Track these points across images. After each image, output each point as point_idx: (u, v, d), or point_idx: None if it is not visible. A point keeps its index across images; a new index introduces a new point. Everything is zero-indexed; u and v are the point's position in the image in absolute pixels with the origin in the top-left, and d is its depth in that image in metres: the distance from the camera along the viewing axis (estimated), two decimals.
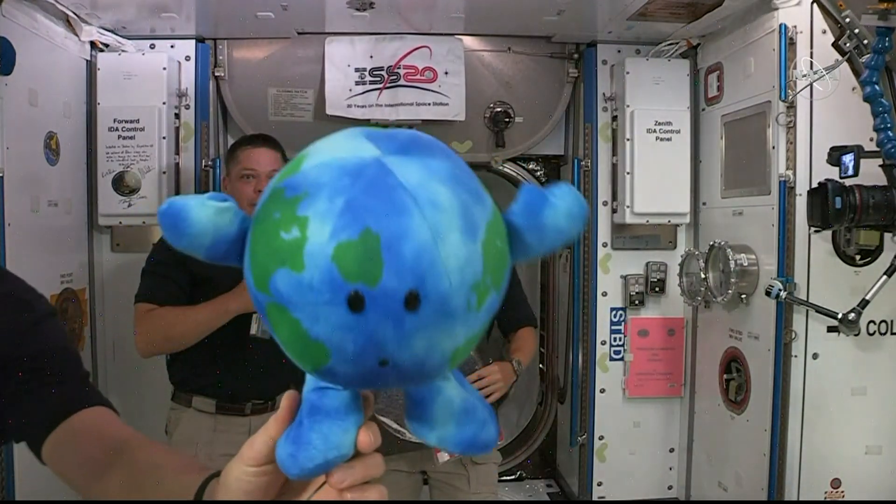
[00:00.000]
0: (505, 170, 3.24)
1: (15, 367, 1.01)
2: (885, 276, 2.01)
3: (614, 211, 2.98)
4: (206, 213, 0.57)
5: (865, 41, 2.15)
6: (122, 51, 2.78)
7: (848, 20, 2.17)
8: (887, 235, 2.10)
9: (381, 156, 0.55)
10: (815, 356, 2.28)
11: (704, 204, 2.91)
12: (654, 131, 2.83)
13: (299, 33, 2.97)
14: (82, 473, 0.93)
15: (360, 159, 0.55)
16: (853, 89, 2.20)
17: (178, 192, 2.82)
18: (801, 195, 2.25)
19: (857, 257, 2.24)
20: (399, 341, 0.54)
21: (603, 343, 3.03)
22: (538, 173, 3.42)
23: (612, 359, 3.04)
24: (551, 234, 0.61)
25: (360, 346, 0.54)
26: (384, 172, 0.54)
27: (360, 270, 0.51)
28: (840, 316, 2.10)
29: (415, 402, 0.65)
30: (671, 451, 3.07)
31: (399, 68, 2.97)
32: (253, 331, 2.16)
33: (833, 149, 2.04)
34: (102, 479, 0.88)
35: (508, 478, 3.47)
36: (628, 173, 2.85)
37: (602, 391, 3.03)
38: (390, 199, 0.52)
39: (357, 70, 2.97)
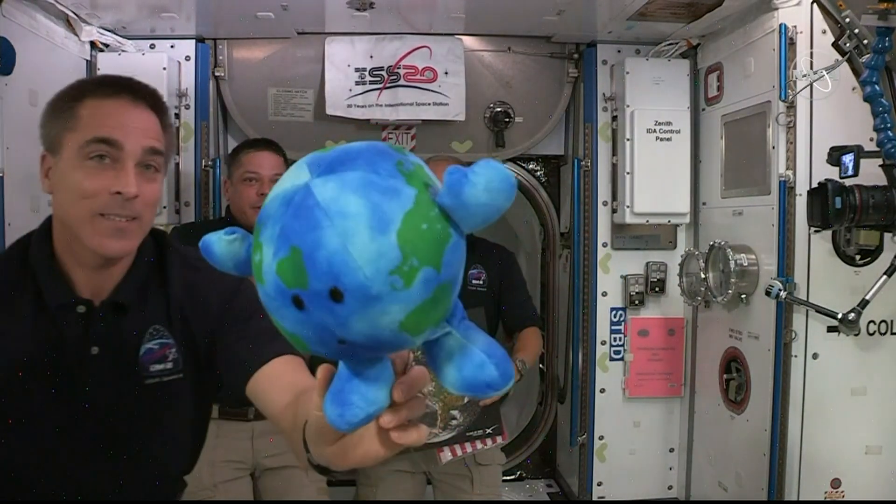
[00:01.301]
0: None
1: (229, 319, 1.24)
2: (885, 276, 2.01)
3: (614, 211, 2.98)
4: (221, 246, 0.73)
5: (865, 41, 2.15)
6: (122, 51, 2.78)
7: (848, 20, 2.17)
8: (887, 235, 2.10)
9: (309, 180, 0.69)
10: (815, 356, 2.28)
11: (704, 204, 2.91)
12: (654, 131, 2.83)
13: (299, 33, 2.97)
14: (274, 412, 1.12)
15: (294, 187, 0.69)
16: (853, 89, 2.20)
17: (178, 193, 2.82)
18: (801, 195, 2.25)
19: (857, 257, 2.24)
20: (340, 326, 0.67)
21: (603, 343, 3.03)
22: (538, 173, 3.42)
23: (612, 359, 3.04)
24: (475, 209, 0.69)
25: (316, 334, 0.69)
26: (307, 195, 0.68)
27: (294, 279, 0.66)
28: (840, 316, 2.10)
29: (427, 355, 0.78)
30: (671, 451, 3.07)
31: (399, 68, 2.97)
32: None
33: (833, 149, 2.04)
34: (286, 415, 1.04)
35: (508, 478, 3.47)
36: (628, 173, 2.85)
37: (602, 391, 3.03)
38: (308, 218, 0.67)
39: (357, 70, 2.97)
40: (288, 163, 2.48)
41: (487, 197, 0.68)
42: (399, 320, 0.69)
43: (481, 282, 2.56)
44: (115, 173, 1.15)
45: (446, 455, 2.37)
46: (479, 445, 2.41)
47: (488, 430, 2.42)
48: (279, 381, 1.16)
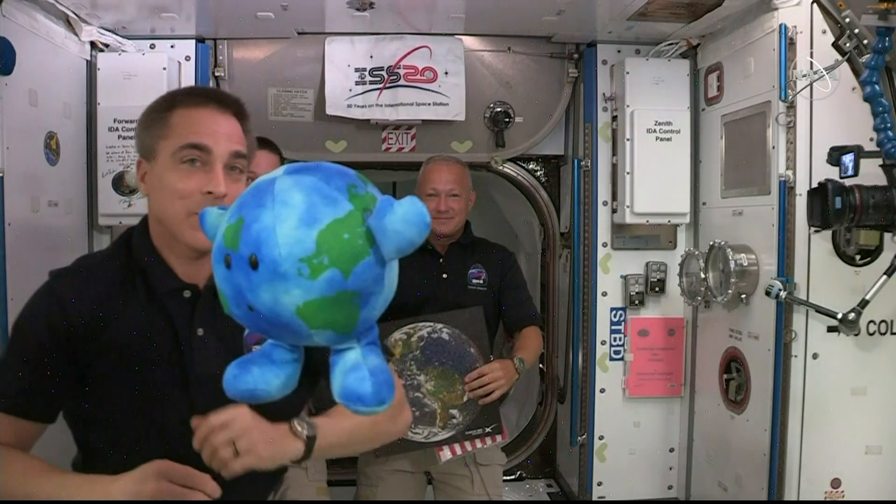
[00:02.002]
0: (505, 170, 3.24)
1: None
2: (885, 276, 2.01)
3: (614, 211, 2.98)
4: (212, 217, 0.90)
5: (865, 41, 2.15)
6: (122, 51, 2.77)
7: (848, 20, 2.17)
8: (887, 235, 2.10)
9: (278, 176, 0.85)
10: (815, 356, 2.28)
11: (704, 204, 2.91)
12: (654, 131, 2.83)
13: (299, 33, 2.97)
14: None
15: (268, 178, 0.85)
16: (853, 89, 2.20)
17: None
18: (801, 195, 2.25)
19: (857, 257, 2.24)
20: (251, 291, 0.81)
21: (603, 343, 3.03)
22: (538, 173, 3.42)
23: (612, 359, 3.04)
24: (391, 234, 0.80)
25: (233, 293, 0.83)
26: (269, 185, 0.83)
27: (230, 241, 0.82)
28: (840, 316, 2.10)
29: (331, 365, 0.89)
30: (671, 451, 3.07)
31: (399, 68, 2.97)
32: None
33: (833, 149, 2.04)
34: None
35: (508, 477, 3.47)
36: (628, 173, 2.85)
37: (602, 391, 3.03)
38: (260, 200, 0.82)
39: (357, 70, 2.97)
40: (284, 161, 2.48)
41: (402, 226, 0.79)
42: (297, 304, 0.80)
43: (481, 281, 2.56)
44: (206, 175, 1.27)
45: (445, 454, 2.37)
46: (478, 444, 2.41)
47: (487, 429, 2.42)
48: None
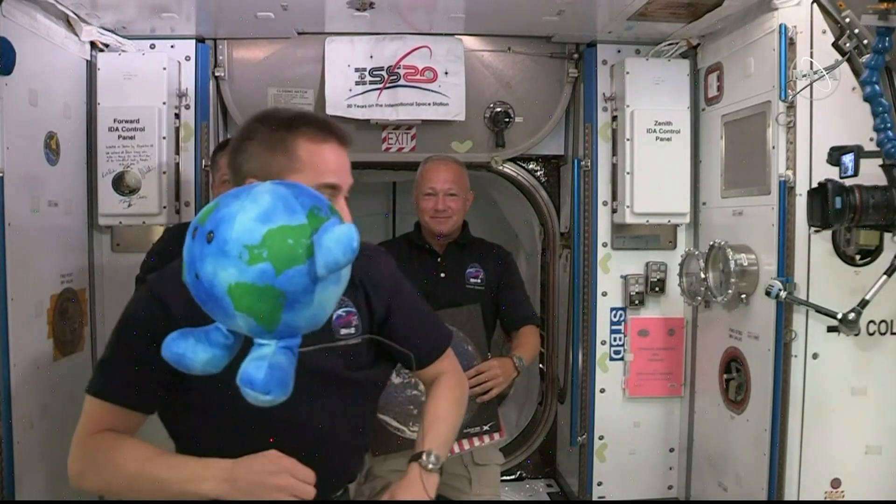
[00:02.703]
0: (505, 170, 3.24)
1: (395, 306, 1.56)
2: (885, 276, 2.01)
3: (614, 211, 2.98)
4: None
5: (865, 41, 2.15)
6: (122, 51, 2.78)
7: (848, 20, 2.17)
8: (887, 235, 2.10)
9: (264, 182, 1.08)
10: (815, 356, 2.28)
11: (704, 204, 2.91)
12: (654, 131, 2.83)
13: (299, 33, 2.97)
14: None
15: (259, 183, 1.09)
16: (853, 89, 2.20)
17: (178, 193, 2.82)
18: (801, 195, 2.25)
19: (857, 257, 2.24)
20: (200, 260, 0.99)
21: (603, 343, 3.03)
22: (538, 173, 3.42)
23: (612, 359, 3.04)
24: (324, 250, 0.95)
25: (189, 261, 1.01)
26: (253, 186, 1.06)
27: (203, 218, 1.02)
28: (840, 316, 2.09)
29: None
30: (671, 451, 3.07)
31: (399, 68, 2.97)
32: None
33: (833, 149, 2.04)
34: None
35: (508, 477, 3.47)
36: (628, 173, 2.85)
37: (602, 391, 3.03)
38: (238, 194, 1.04)
39: (357, 70, 2.97)
40: None
41: (333, 245, 0.95)
42: (230, 282, 0.96)
43: (479, 280, 2.57)
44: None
45: None
46: (476, 442, 2.41)
47: (485, 427, 2.41)
48: (432, 370, 1.61)
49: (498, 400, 2.45)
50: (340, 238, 0.95)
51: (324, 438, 1.42)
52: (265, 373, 0.98)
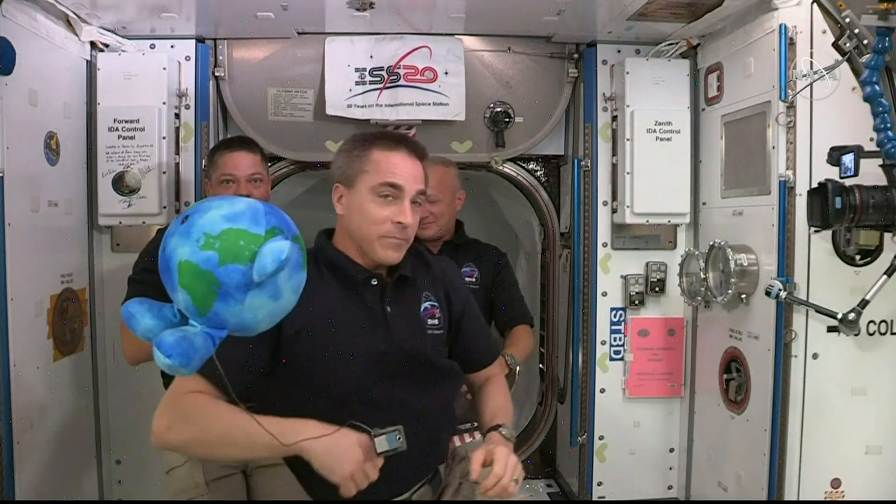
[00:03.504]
0: (505, 170, 3.24)
1: (467, 306, 1.83)
2: (885, 276, 2.00)
3: (614, 211, 2.98)
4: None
5: (865, 41, 2.15)
6: (122, 51, 2.78)
7: (848, 20, 2.17)
8: (887, 235, 2.09)
9: (253, 200, 1.25)
10: (815, 356, 2.28)
11: (704, 204, 2.91)
12: (654, 131, 2.83)
13: (299, 33, 2.97)
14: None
15: (246, 198, 1.28)
16: (853, 89, 2.20)
17: (178, 193, 2.82)
18: (801, 195, 2.25)
19: (857, 257, 2.24)
20: (170, 237, 1.17)
21: (603, 343, 3.03)
22: (538, 173, 3.42)
23: (612, 359, 3.04)
24: (259, 256, 1.14)
25: (166, 235, 1.18)
26: (241, 198, 1.24)
27: (191, 207, 1.23)
28: (840, 316, 2.09)
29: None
30: (671, 451, 3.07)
31: (399, 68, 2.97)
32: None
33: (833, 149, 2.04)
34: None
35: None
36: (628, 173, 2.85)
37: (602, 391, 3.03)
38: (225, 198, 1.24)
39: (357, 70, 2.96)
40: (265, 160, 2.49)
41: (266, 253, 1.14)
42: (182, 258, 1.13)
43: (473, 279, 2.58)
44: (397, 208, 1.60)
45: None
46: (467, 438, 2.44)
47: (476, 424, 2.42)
48: (485, 372, 1.88)
49: None
50: (273, 249, 1.13)
51: (421, 417, 1.58)
52: (175, 340, 1.11)
